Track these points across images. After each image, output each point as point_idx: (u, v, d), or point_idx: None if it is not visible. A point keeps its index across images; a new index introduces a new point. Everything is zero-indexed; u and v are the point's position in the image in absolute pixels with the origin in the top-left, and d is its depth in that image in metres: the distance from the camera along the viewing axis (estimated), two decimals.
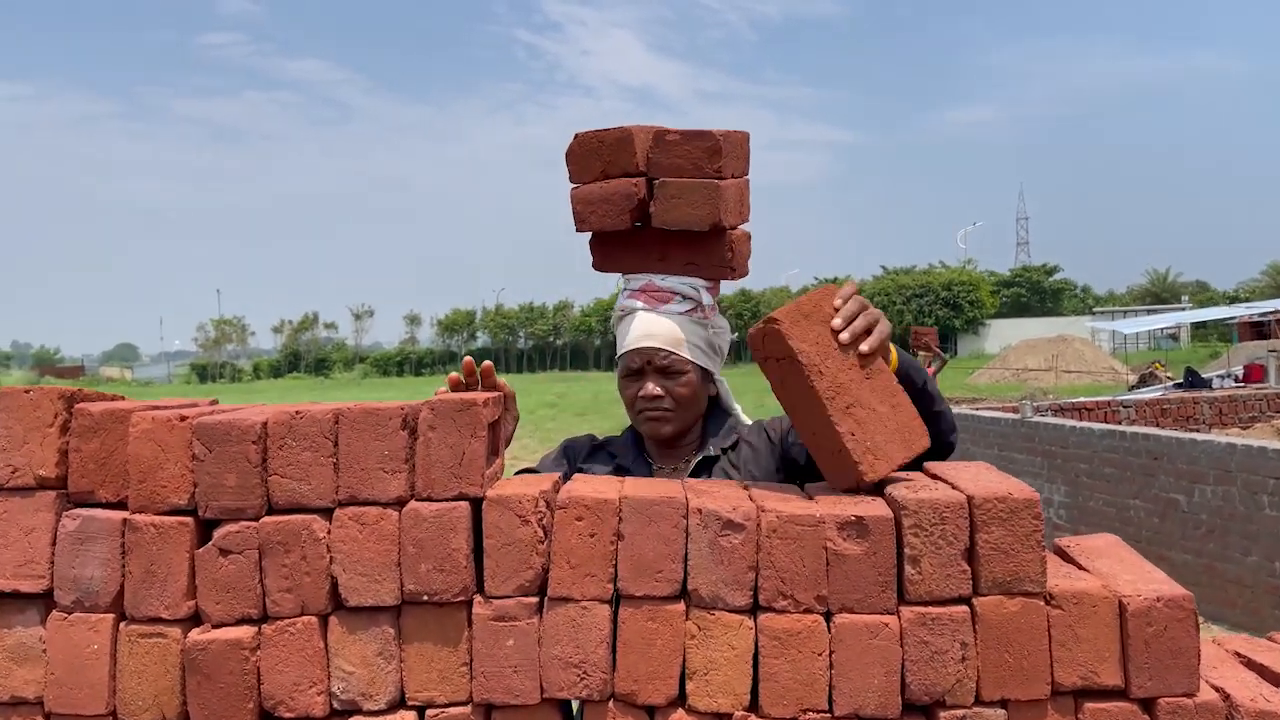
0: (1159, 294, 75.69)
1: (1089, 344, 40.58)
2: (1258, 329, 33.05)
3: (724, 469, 1.98)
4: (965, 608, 1.38)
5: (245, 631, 1.42)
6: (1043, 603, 1.38)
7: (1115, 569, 1.46)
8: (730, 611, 1.39)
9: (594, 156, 1.90)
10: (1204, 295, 70.81)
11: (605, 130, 1.90)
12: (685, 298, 1.98)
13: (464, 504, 1.41)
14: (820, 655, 1.38)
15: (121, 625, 1.44)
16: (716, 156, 1.87)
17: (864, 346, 1.54)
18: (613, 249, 2.00)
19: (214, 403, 1.69)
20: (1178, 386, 15.44)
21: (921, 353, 14.38)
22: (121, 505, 1.47)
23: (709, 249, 1.95)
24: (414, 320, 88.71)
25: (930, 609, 1.38)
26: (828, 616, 1.39)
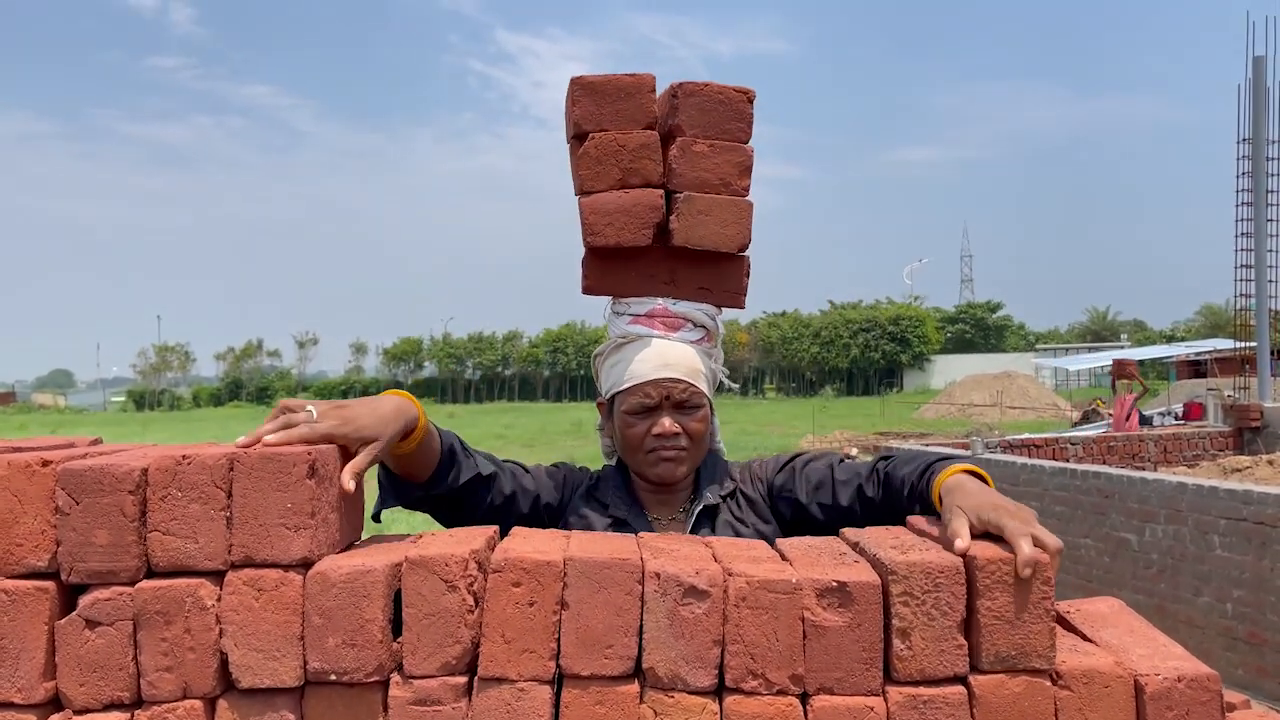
0: (1099, 332, 77.45)
1: (1032, 380, 41.26)
2: (1195, 367, 33.73)
3: (729, 523, 1.79)
4: (961, 688, 1.19)
5: (114, 719, 1.18)
6: (1049, 682, 1.20)
7: (1126, 640, 1.29)
8: (692, 693, 1.19)
9: (612, 162, 1.69)
10: (1142, 334, 72.52)
11: (627, 133, 1.69)
12: (698, 325, 1.80)
13: (379, 568, 1.20)
14: None
15: None
16: (747, 174, 1.71)
17: None
18: (613, 268, 1.78)
19: (96, 442, 1.46)
20: None
21: (1122, 380, 14.76)
22: None
23: (725, 273, 1.79)
24: (360, 349, 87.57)
25: (921, 690, 1.19)
26: (804, 698, 1.20)
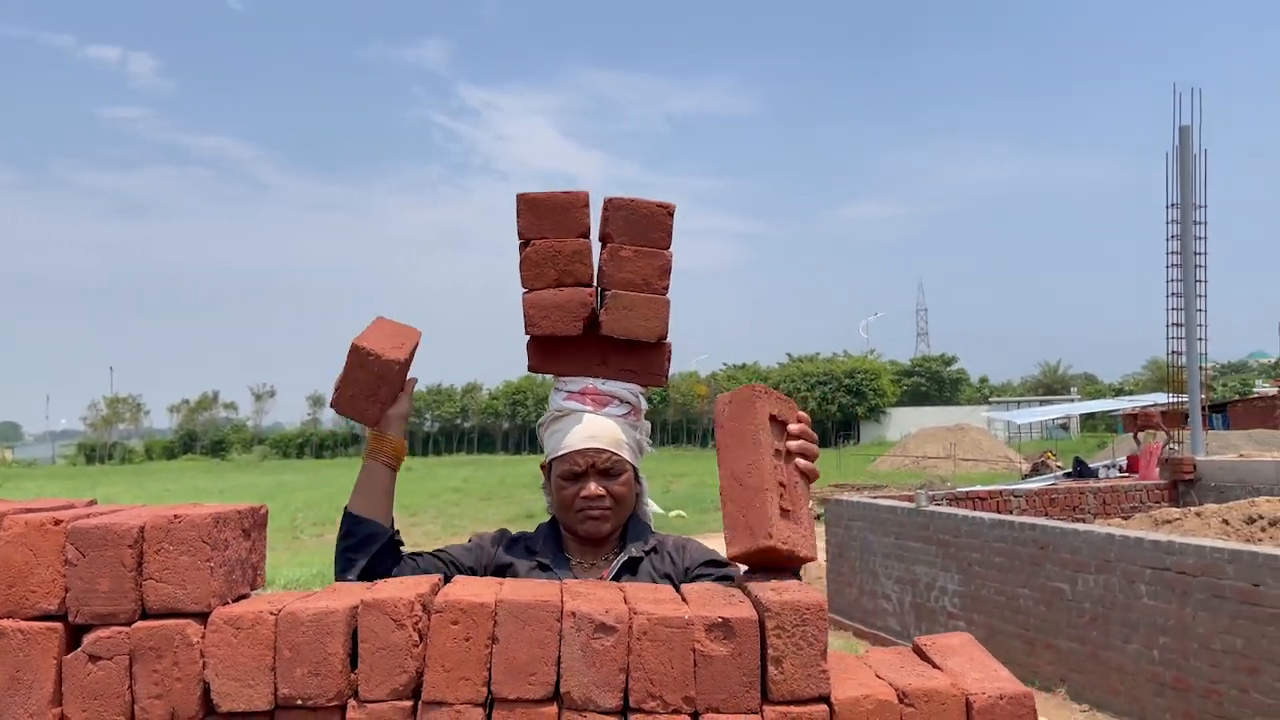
0: (1050, 385, 78.77)
1: (985, 433, 41.92)
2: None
3: (650, 573, 2.03)
4: (825, 706, 1.44)
5: None
6: (897, 701, 1.45)
7: (965, 667, 1.55)
8: (601, 713, 1.43)
9: (549, 265, 1.96)
10: (1092, 387, 73.93)
11: (562, 241, 1.96)
12: (624, 401, 2.07)
13: (340, 609, 1.43)
14: None
15: None
16: (666, 275, 1.99)
17: (801, 463, 1.75)
18: (553, 352, 2.06)
19: (92, 503, 1.68)
20: (1067, 475, 15.98)
21: (1147, 430, 14.79)
22: None
23: (648, 358, 2.06)
24: (317, 401, 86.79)
25: (792, 708, 1.43)
26: (695, 716, 1.43)
